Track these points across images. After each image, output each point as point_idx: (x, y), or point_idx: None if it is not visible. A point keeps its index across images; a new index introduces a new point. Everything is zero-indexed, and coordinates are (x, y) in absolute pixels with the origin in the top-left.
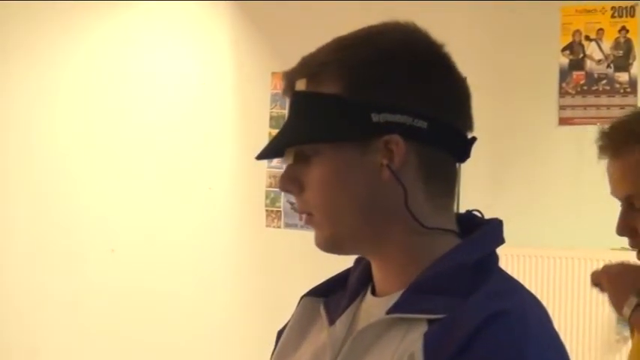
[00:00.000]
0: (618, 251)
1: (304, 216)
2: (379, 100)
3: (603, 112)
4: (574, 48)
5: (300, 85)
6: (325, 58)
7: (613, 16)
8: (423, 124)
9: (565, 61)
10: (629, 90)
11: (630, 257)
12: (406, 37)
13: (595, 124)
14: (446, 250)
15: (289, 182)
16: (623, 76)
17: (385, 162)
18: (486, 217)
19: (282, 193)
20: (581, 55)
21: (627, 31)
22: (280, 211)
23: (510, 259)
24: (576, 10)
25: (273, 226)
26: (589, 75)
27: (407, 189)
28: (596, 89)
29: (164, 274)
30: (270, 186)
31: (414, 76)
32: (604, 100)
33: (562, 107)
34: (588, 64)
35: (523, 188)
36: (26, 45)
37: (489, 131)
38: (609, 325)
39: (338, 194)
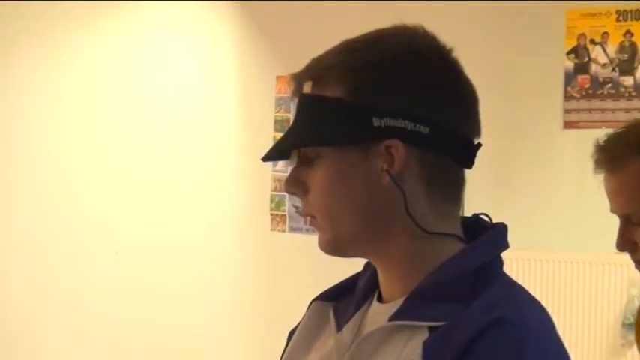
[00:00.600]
0: (622, 255)
1: (308, 218)
2: (381, 104)
3: (608, 116)
4: (579, 52)
5: (307, 87)
6: (330, 61)
7: (618, 20)
8: (424, 129)
9: (570, 64)
10: (634, 94)
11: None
12: (411, 42)
13: (600, 127)
14: (449, 256)
15: (294, 184)
16: (628, 80)
17: (385, 167)
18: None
19: (287, 197)
20: (586, 59)
21: (632, 34)
22: (285, 215)
23: (514, 262)
24: (581, 14)
25: (278, 230)
26: (594, 79)
27: (407, 194)
28: (601, 93)
29: (168, 277)
30: (275, 190)
31: (417, 81)
32: (609, 103)
33: (567, 111)
34: (593, 67)
35: (528, 191)
36: (31, 47)
37: (494, 135)
38: (614, 329)
39: (339, 198)
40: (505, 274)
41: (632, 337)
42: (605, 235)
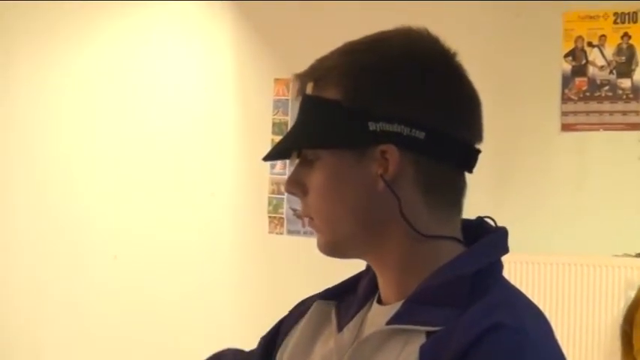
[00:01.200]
0: (620, 257)
1: (307, 219)
2: (377, 108)
3: (606, 119)
4: (576, 54)
5: (308, 88)
6: (331, 63)
7: (616, 22)
8: (420, 134)
9: (567, 67)
10: (631, 96)
11: (634, 263)
12: (412, 45)
13: (598, 130)
14: (448, 259)
15: (294, 185)
16: (625, 82)
17: (380, 172)
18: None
19: (285, 200)
20: (584, 61)
21: (630, 37)
22: (283, 217)
23: (512, 265)
24: (579, 16)
25: (276, 233)
26: (591, 81)
27: (402, 199)
28: (599, 95)
29: (166, 280)
30: (273, 192)
31: (414, 86)
32: (607, 106)
33: (564, 113)
34: (591, 70)
35: (526, 194)
36: (30, 47)
37: (492, 137)
38: (612, 331)
39: (335, 200)
40: (504, 279)
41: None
42: (604, 237)
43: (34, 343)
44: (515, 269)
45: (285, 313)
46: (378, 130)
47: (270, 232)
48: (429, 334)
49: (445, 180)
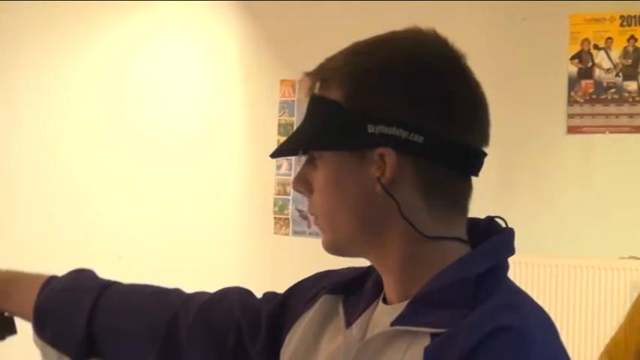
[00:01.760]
0: (626, 260)
1: (313, 218)
2: (376, 111)
3: (612, 121)
4: (583, 57)
5: (316, 87)
6: (335, 64)
7: (622, 25)
8: (419, 138)
9: (574, 69)
10: (637, 98)
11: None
12: (415, 47)
13: (604, 132)
14: (453, 260)
15: (300, 183)
16: (631, 85)
17: (377, 174)
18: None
19: (291, 201)
20: (590, 64)
21: (636, 39)
22: (288, 218)
23: (518, 267)
24: (585, 19)
25: (282, 234)
26: (598, 84)
27: (401, 202)
28: (605, 98)
29: (171, 281)
30: (279, 193)
31: (415, 89)
32: (612, 108)
33: (570, 116)
34: (597, 72)
35: (532, 196)
36: (35, 48)
37: (498, 140)
38: None
39: (336, 201)
40: (509, 281)
41: None
42: (609, 239)
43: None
44: (521, 271)
45: None
46: (377, 132)
47: (275, 233)
48: (433, 335)
49: (446, 184)
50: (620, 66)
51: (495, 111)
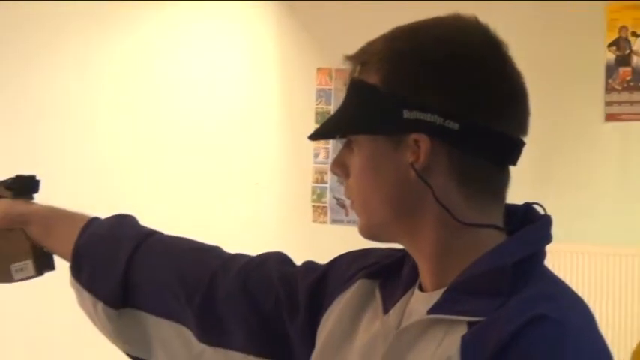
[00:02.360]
0: None
1: (349, 202)
2: (412, 96)
3: None
4: (620, 44)
5: (356, 71)
6: (375, 48)
7: None
8: (454, 125)
9: (611, 57)
10: None
11: None
12: (455, 34)
13: None
14: (489, 248)
15: (337, 166)
16: None
17: (411, 160)
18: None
19: (329, 189)
20: (628, 51)
21: None
22: (326, 206)
23: (555, 255)
24: (623, 6)
25: (320, 222)
26: (635, 71)
27: (435, 189)
28: None
29: None
30: (317, 182)
31: (451, 76)
32: None
33: (608, 103)
34: (635, 59)
35: (569, 184)
36: (75, 36)
37: (535, 128)
38: None
39: (370, 186)
40: (546, 269)
41: None
42: None
43: (75, 341)
44: (558, 259)
45: None
46: (412, 118)
47: (313, 221)
48: (470, 324)
49: (482, 172)
50: None
51: (532, 99)
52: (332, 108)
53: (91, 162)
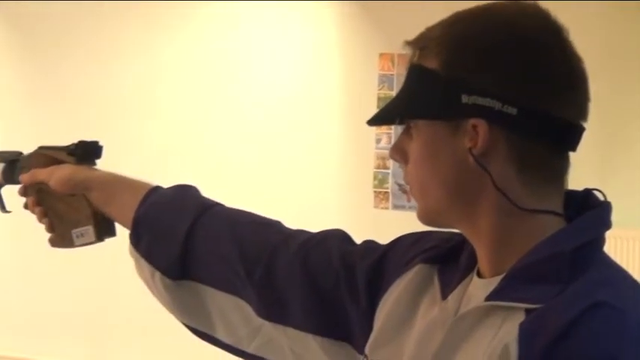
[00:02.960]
0: None
1: (409, 188)
2: (471, 81)
3: None
4: None
5: (415, 56)
6: (435, 33)
7: None
8: (512, 110)
9: None
10: None
11: None
12: (514, 20)
13: None
14: (547, 234)
15: (396, 152)
16: None
17: (469, 145)
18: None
19: (390, 175)
20: None
21: None
22: (388, 192)
23: (614, 241)
24: None
25: (381, 207)
26: None
27: (495, 174)
28: None
29: None
30: (379, 167)
31: (509, 60)
32: None
33: None
34: None
35: (630, 170)
36: (140, 27)
37: (599, 112)
38: None
39: (428, 171)
40: (606, 255)
41: None
42: None
43: (139, 327)
44: (617, 245)
45: None
46: (470, 103)
47: (375, 207)
48: (528, 311)
49: (541, 158)
50: None
51: (598, 84)
52: (394, 93)
53: (154, 145)
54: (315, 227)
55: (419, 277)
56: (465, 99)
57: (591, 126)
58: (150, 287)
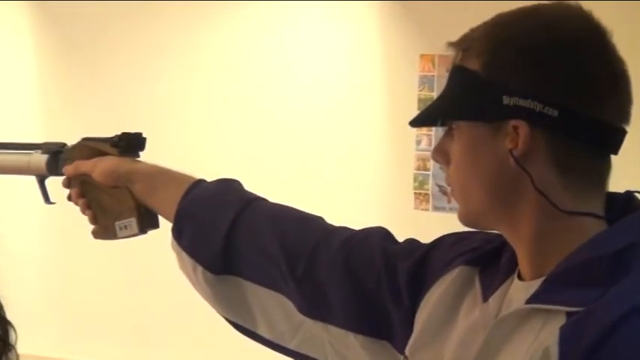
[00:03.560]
0: None
1: (450, 189)
2: (512, 82)
3: None
4: None
5: (457, 57)
6: (477, 34)
7: None
8: (553, 112)
9: None
10: None
11: None
12: (554, 20)
13: None
14: (588, 237)
15: (438, 153)
16: None
17: (510, 147)
18: None
19: (431, 176)
20: None
21: None
22: (428, 193)
23: None
24: None
25: (422, 209)
26: None
27: (535, 175)
28: None
29: None
30: (419, 169)
31: (551, 62)
32: None
33: None
34: None
35: None
36: (179, 24)
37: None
38: None
39: (469, 172)
40: None
41: None
42: None
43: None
44: None
45: None
46: (512, 104)
47: (415, 209)
48: (569, 314)
49: (582, 160)
50: None
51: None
52: (435, 95)
53: (190, 149)
54: (355, 228)
55: (460, 278)
56: (506, 100)
57: (635, 127)
58: (192, 281)
